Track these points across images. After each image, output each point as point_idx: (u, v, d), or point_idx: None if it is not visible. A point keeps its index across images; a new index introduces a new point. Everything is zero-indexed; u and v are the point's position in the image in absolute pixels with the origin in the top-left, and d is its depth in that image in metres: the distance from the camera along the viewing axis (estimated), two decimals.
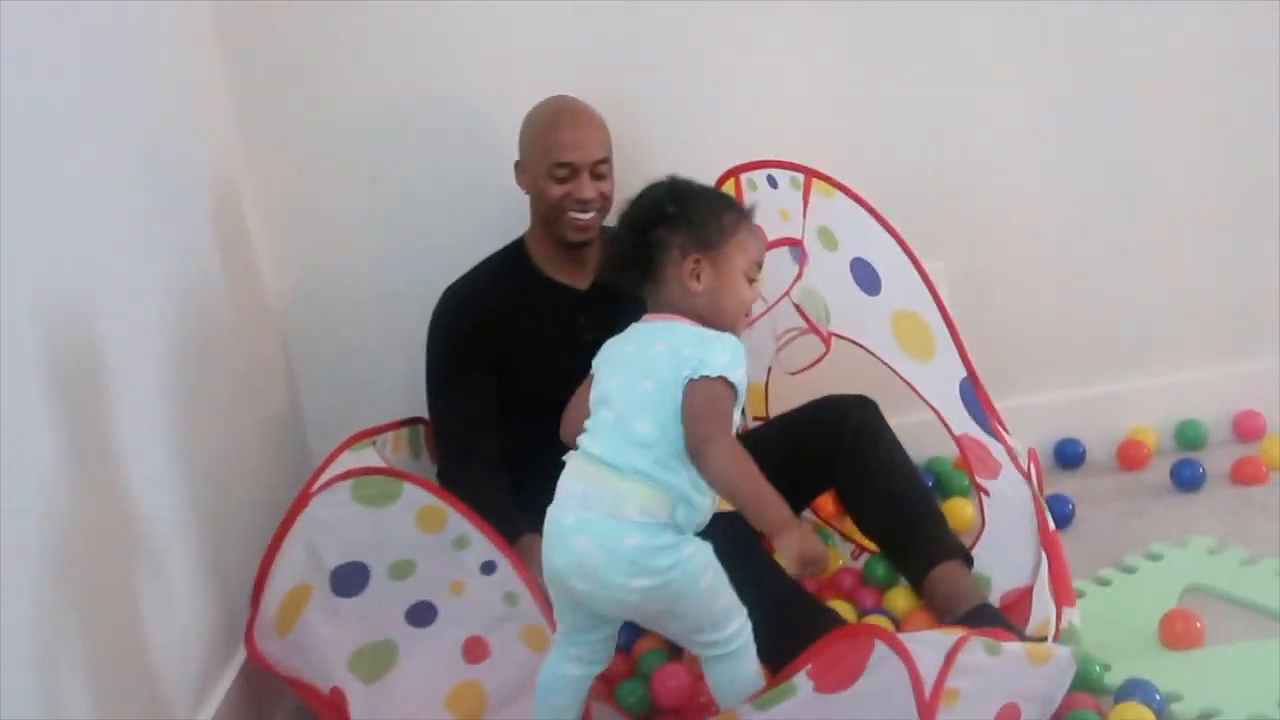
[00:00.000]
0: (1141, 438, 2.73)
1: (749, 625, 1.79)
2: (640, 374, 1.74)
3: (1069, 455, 2.74)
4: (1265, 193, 2.70)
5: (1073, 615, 1.89)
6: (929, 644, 1.62)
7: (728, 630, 1.76)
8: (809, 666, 1.66)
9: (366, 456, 2.21)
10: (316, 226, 2.57)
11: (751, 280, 1.83)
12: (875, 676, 1.62)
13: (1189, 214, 2.72)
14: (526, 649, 1.98)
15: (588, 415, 1.83)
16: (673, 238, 1.79)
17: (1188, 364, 2.80)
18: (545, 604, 1.90)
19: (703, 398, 1.69)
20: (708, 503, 1.74)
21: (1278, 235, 2.73)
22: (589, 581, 1.71)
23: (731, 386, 1.70)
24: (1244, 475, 2.57)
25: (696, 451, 1.68)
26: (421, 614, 2.03)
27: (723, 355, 1.71)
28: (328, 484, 2.03)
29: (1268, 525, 2.38)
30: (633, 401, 1.73)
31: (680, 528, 1.71)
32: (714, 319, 1.79)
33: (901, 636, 1.63)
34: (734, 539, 1.80)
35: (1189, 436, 2.74)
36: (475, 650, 2.01)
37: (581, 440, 1.79)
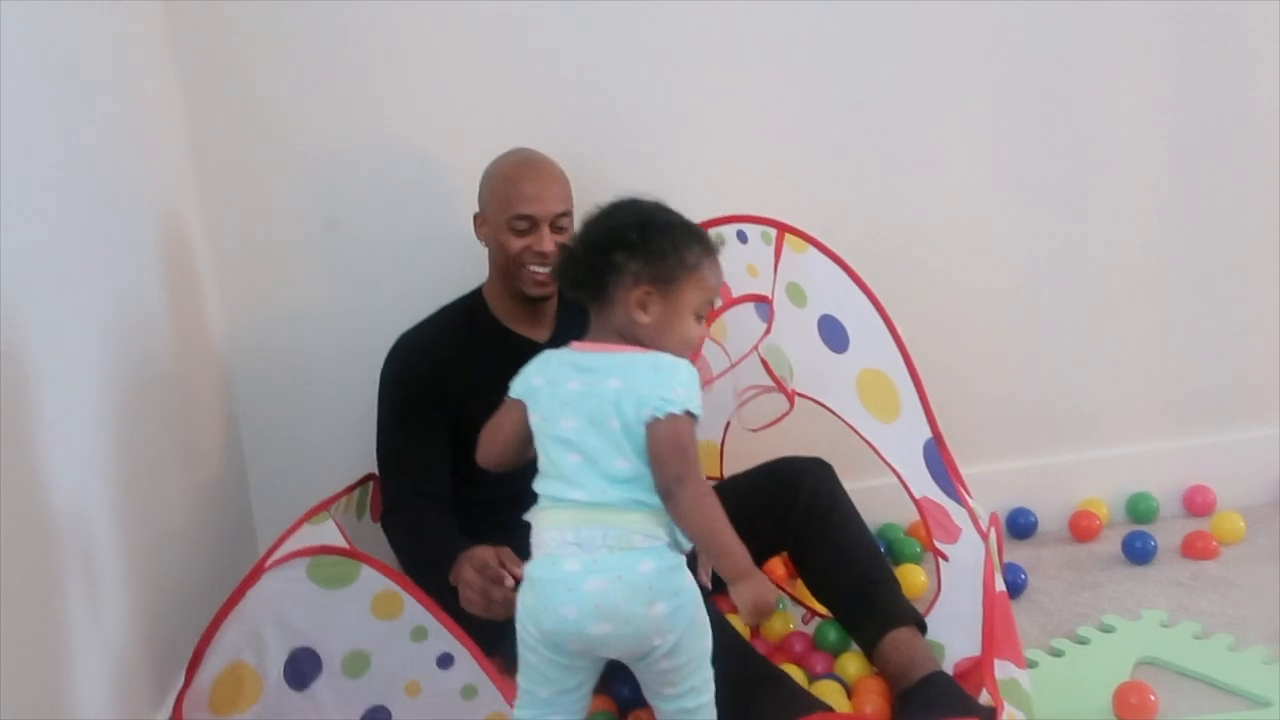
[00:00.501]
0: (1093, 509, 2.73)
1: (714, 684, 1.75)
2: (602, 414, 1.69)
3: (1021, 525, 2.74)
4: (1218, 272, 2.74)
5: (1021, 676, 1.86)
6: None
7: (705, 675, 1.73)
8: None
9: (326, 531, 2.16)
10: (267, 272, 2.52)
11: (700, 317, 1.79)
12: None
13: (1143, 291, 2.75)
14: None
15: (510, 443, 1.81)
16: (629, 264, 1.74)
17: (1139, 438, 2.81)
18: (506, 690, 1.84)
19: (668, 438, 1.66)
20: None
21: (1229, 315, 2.76)
22: (610, 621, 1.66)
23: (694, 418, 1.68)
24: (1195, 549, 2.57)
25: (667, 493, 1.66)
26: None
27: (681, 387, 1.68)
28: (284, 559, 1.96)
29: (1219, 600, 2.38)
30: (603, 443, 1.69)
31: (680, 546, 1.69)
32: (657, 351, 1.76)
33: None
34: None
35: (1140, 509, 2.75)
36: None
37: (547, 489, 1.74)
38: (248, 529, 2.56)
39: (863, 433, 2.23)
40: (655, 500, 1.68)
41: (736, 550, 1.64)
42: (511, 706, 1.82)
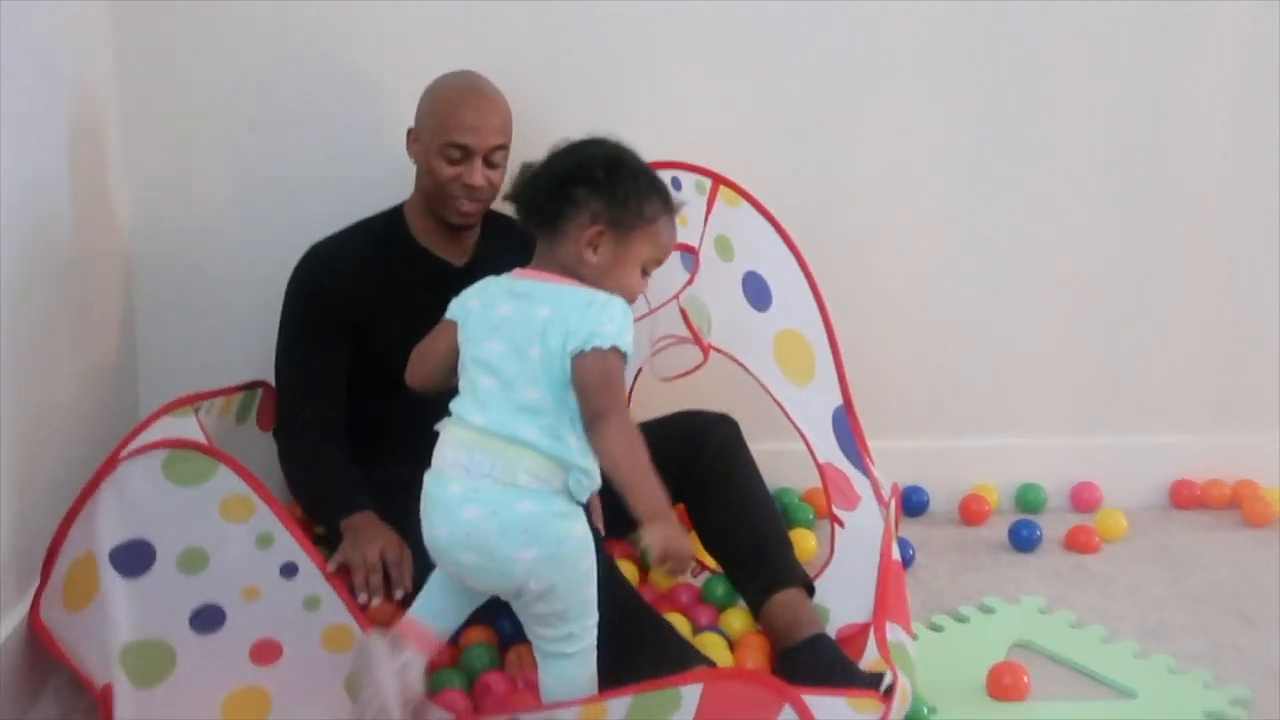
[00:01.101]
0: (984, 494, 2.77)
1: (595, 631, 1.74)
2: (525, 340, 1.69)
3: (913, 503, 2.77)
4: (1133, 277, 2.78)
5: (909, 644, 1.88)
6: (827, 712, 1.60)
7: (586, 622, 1.72)
8: (699, 704, 1.58)
9: (186, 425, 2.09)
10: (183, 165, 2.44)
11: (646, 273, 1.79)
12: None
13: (1059, 292, 2.77)
14: (325, 651, 1.86)
15: (439, 365, 1.80)
16: (589, 201, 1.74)
17: (1036, 431, 2.85)
18: (351, 603, 1.85)
19: (595, 371, 1.65)
20: (597, 468, 1.70)
21: (1136, 324, 2.81)
22: (476, 553, 1.67)
23: (623, 354, 1.67)
24: (1077, 543, 2.62)
25: (590, 424, 1.65)
26: (208, 619, 1.87)
27: (611, 323, 1.67)
28: (140, 450, 1.91)
29: (1096, 592, 2.43)
30: (520, 370, 1.68)
31: (573, 495, 1.67)
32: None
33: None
34: None
35: (1029, 500, 2.80)
36: (265, 652, 1.86)
37: (458, 408, 1.73)
38: (132, 420, 2.47)
39: (774, 393, 2.23)
40: (554, 444, 1.67)
41: (654, 490, 1.63)
42: (356, 622, 1.85)
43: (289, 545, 1.90)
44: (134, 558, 1.87)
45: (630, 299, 1.76)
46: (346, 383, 2.23)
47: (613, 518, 2.03)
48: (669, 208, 1.81)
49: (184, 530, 1.89)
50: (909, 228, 2.69)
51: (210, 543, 1.89)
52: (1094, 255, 2.76)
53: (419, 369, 1.85)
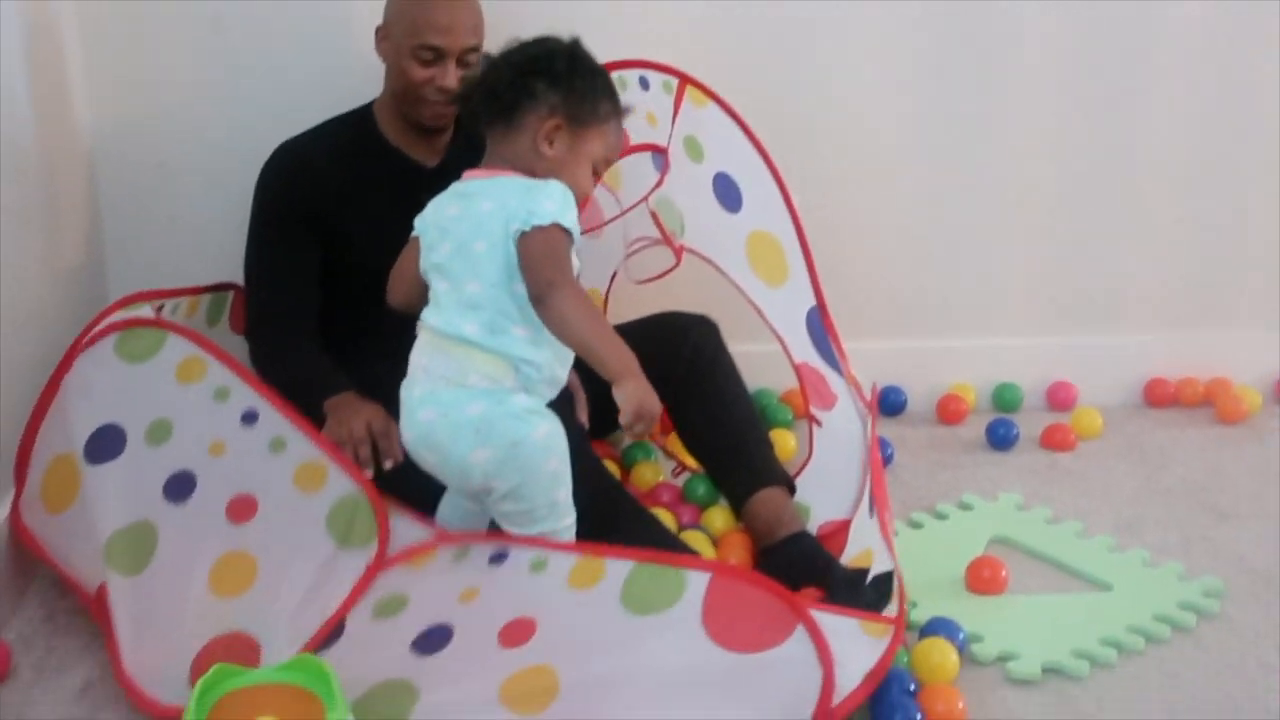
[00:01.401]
0: (961, 394, 2.78)
1: (574, 530, 1.75)
2: (471, 236, 1.70)
3: (891, 403, 2.77)
4: (1109, 176, 2.76)
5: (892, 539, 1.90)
6: (840, 635, 1.59)
7: (557, 524, 1.73)
8: (705, 594, 1.59)
9: (136, 311, 2.06)
10: (144, 62, 2.37)
11: (596, 174, 1.83)
12: (779, 655, 1.55)
13: (1035, 192, 2.75)
14: (299, 492, 1.84)
15: (413, 281, 1.81)
16: (548, 94, 1.77)
17: (1012, 330, 2.85)
18: (318, 437, 1.85)
19: (539, 246, 1.66)
20: (549, 355, 1.71)
21: (1112, 224, 2.80)
22: (434, 454, 1.72)
23: (566, 232, 1.68)
24: (1053, 441, 2.64)
25: (539, 299, 1.65)
26: (179, 486, 1.85)
27: (550, 201, 1.69)
28: (91, 340, 1.92)
29: (1072, 489, 2.45)
30: (464, 266, 1.70)
31: (530, 389, 1.66)
32: None
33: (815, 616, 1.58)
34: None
35: (1005, 399, 2.81)
36: (241, 509, 1.84)
37: (424, 313, 1.75)
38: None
39: (749, 294, 2.21)
40: (495, 341, 1.68)
41: (618, 350, 1.64)
42: (326, 452, 1.85)
43: (245, 393, 1.89)
44: (106, 445, 1.87)
45: (580, 197, 1.77)
46: (318, 281, 2.18)
47: (597, 417, 2.01)
48: (619, 110, 1.85)
49: (146, 404, 1.89)
50: (882, 127, 2.66)
51: (172, 410, 1.88)
52: (1068, 154, 2.73)
53: (396, 289, 1.87)
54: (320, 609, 1.72)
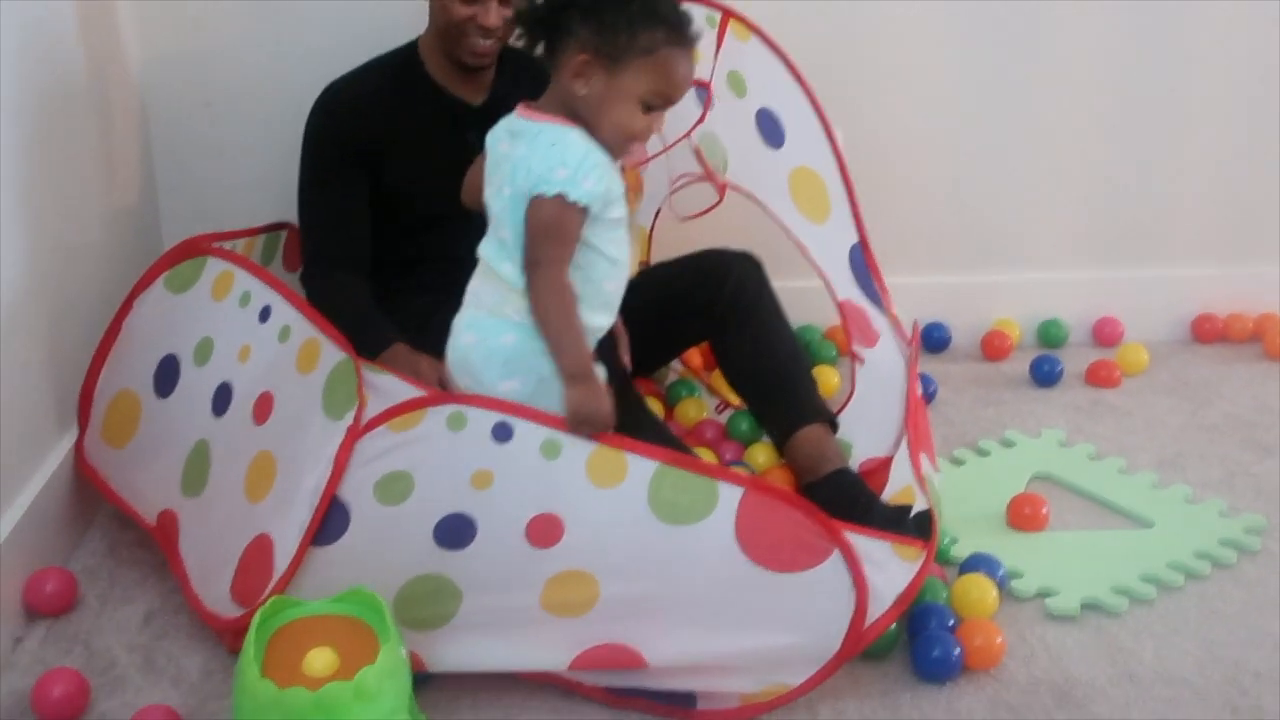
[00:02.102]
0: (1005, 330, 2.77)
1: None
2: (505, 179, 1.71)
3: (935, 339, 2.78)
4: (1154, 108, 2.73)
5: (935, 476, 1.91)
6: (873, 558, 1.62)
7: None
8: (738, 509, 1.60)
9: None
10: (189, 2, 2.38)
11: (650, 109, 1.70)
12: (814, 577, 1.59)
13: (1078, 120, 2.72)
14: (300, 375, 1.78)
15: (478, 190, 1.81)
16: (578, 28, 1.67)
17: (1056, 266, 2.84)
18: (318, 318, 1.80)
19: (537, 219, 1.67)
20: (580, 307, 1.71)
21: (1154, 152, 2.77)
22: (468, 378, 1.74)
23: (572, 204, 1.64)
24: (1098, 377, 2.64)
25: (525, 271, 1.68)
26: (221, 399, 1.87)
27: (563, 168, 1.65)
28: (146, 281, 1.98)
29: (1115, 425, 2.45)
30: (500, 207, 1.72)
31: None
32: (594, 132, 1.70)
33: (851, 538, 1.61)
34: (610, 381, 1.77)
35: (1050, 334, 2.80)
36: (263, 408, 1.81)
37: (484, 238, 1.78)
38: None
39: (791, 230, 2.21)
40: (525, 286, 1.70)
41: (573, 350, 1.66)
42: (323, 332, 1.78)
43: (262, 291, 1.88)
44: (166, 376, 1.93)
45: (627, 138, 1.70)
46: (370, 220, 2.21)
47: (643, 355, 2.04)
48: (677, 39, 1.68)
49: (192, 328, 1.93)
50: (923, 64, 2.64)
51: (211, 328, 1.92)
52: (1112, 86, 2.70)
53: (468, 193, 1.88)
54: (314, 489, 1.66)
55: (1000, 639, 1.72)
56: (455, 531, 1.63)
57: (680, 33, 1.69)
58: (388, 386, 1.72)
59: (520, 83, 2.25)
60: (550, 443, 1.63)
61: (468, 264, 2.27)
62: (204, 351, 1.92)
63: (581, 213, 1.66)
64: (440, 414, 1.66)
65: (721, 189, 2.27)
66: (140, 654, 1.75)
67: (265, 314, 1.87)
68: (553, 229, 1.66)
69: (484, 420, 1.64)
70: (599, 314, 1.76)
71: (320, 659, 1.42)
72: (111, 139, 2.27)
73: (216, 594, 1.74)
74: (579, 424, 1.62)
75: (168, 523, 1.87)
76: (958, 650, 1.69)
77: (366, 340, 2.06)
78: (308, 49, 2.37)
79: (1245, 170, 2.80)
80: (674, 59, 1.68)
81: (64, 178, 2.00)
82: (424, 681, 1.61)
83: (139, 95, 2.41)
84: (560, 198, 1.64)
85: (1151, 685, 1.69)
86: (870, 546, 1.64)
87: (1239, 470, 2.28)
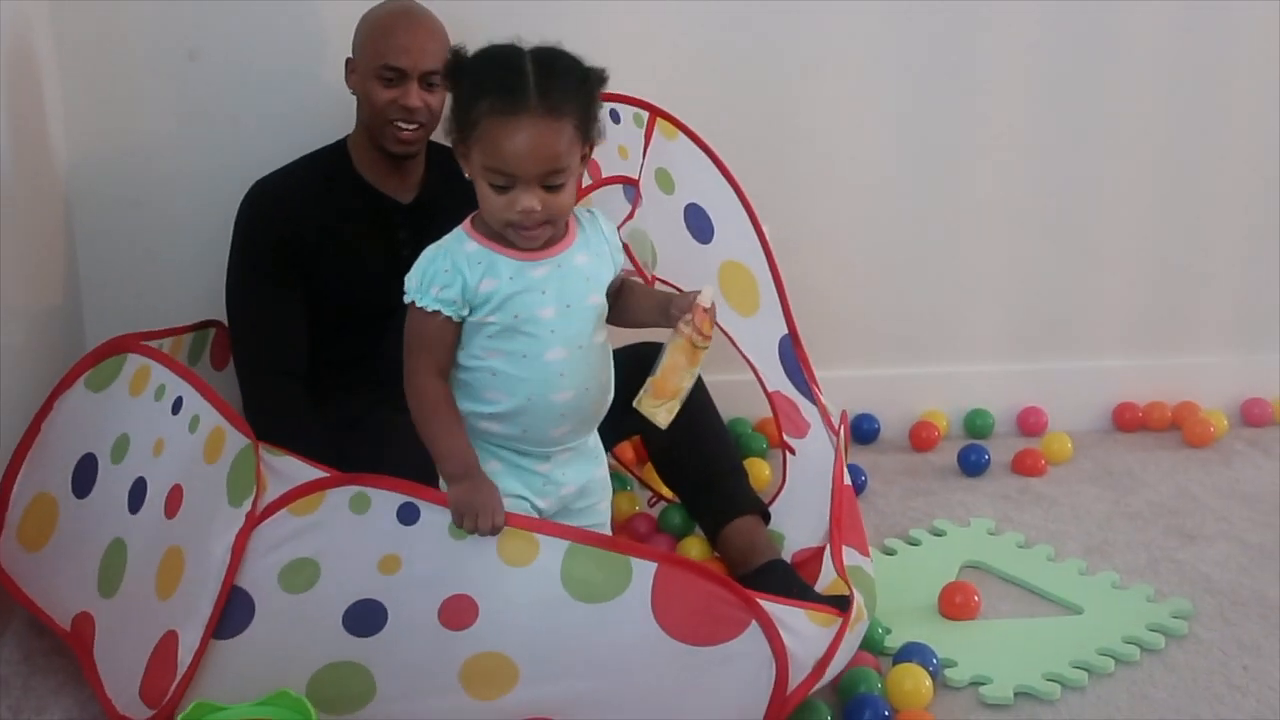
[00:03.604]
0: (933, 420, 2.81)
1: None
2: None
3: (864, 431, 2.80)
4: (1076, 206, 2.80)
5: (865, 564, 1.92)
6: (790, 627, 1.64)
7: None
8: (653, 585, 1.60)
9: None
10: (121, 97, 2.38)
11: (498, 189, 1.58)
12: (733, 649, 1.60)
13: (1001, 221, 2.79)
14: (207, 465, 1.74)
15: None
16: (454, 97, 1.63)
17: (982, 358, 2.89)
18: (223, 405, 1.78)
19: (406, 327, 1.67)
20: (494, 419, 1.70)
21: (1077, 251, 2.84)
22: None
23: (422, 310, 1.63)
24: (1024, 466, 2.67)
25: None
26: (136, 495, 1.84)
27: (413, 275, 1.66)
28: (68, 381, 1.96)
29: (1043, 513, 2.48)
30: None
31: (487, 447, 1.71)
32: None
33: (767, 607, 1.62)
34: None
35: (977, 425, 2.84)
36: (173, 501, 1.78)
37: None
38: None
39: (720, 324, 2.23)
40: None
41: (450, 450, 1.62)
42: (228, 419, 1.74)
43: (175, 382, 1.86)
44: (85, 476, 1.90)
45: (500, 225, 1.62)
46: (303, 327, 2.19)
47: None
48: (501, 106, 1.54)
49: (110, 425, 1.90)
50: (852, 157, 2.70)
51: (127, 424, 1.89)
52: (1033, 182, 2.78)
53: None
54: (215, 580, 1.62)
55: None
56: (365, 618, 1.61)
57: (506, 99, 1.55)
58: (288, 470, 1.70)
59: (450, 180, 2.27)
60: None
61: (400, 363, 2.27)
62: (120, 448, 1.88)
63: (437, 318, 1.63)
64: (342, 496, 1.63)
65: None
66: None
67: (177, 405, 1.84)
68: (409, 333, 1.65)
69: (387, 502, 1.62)
70: (542, 418, 1.71)
71: None
72: (34, 240, 2.24)
73: (128, 697, 1.68)
74: (462, 519, 1.58)
75: (83, 626, 1.81)
76: None
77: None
78: (237, 148, 2.37)
79: (1162, 264, 2.88)
80: (497, 129, 1.55)
81: None
82: None
83: (64, 194, 2.39)
84: (412, 304, 1.64)
85: None
86: (786, 614, 1.65)
87: (1163, 556, 2.31)
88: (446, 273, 1.63)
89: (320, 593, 1.62)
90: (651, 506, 2.37)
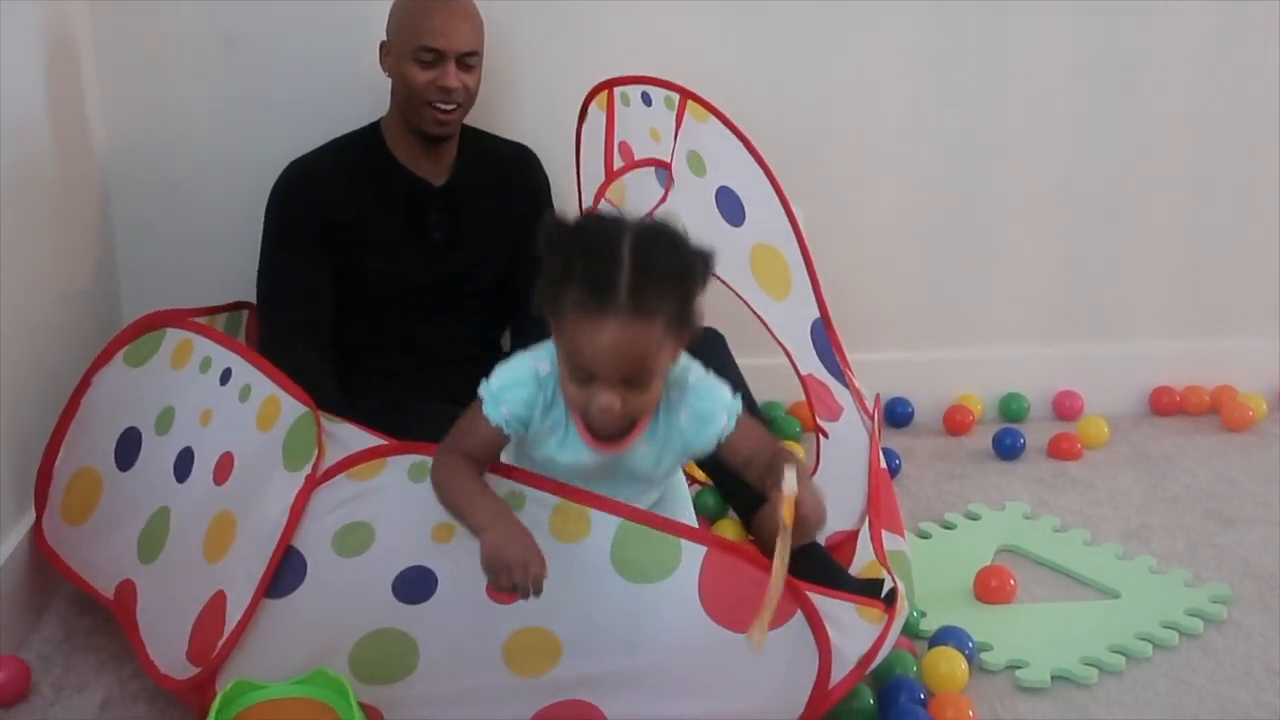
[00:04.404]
0: (968, 405, 2.79)
1: None
2: None
3: (898, 415, 2.79)
4: (1114, 187, 2.78)
5: (903, 545, 1.91)
6: (836, 620, 1.62)
7: None
8: (701, 569, 1.59)
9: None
10: (157, 81, 2.41)
11: (578, 380, 1.47)
12: (777, 638, 1.57)
13: (1040, 203, 2.78)
14: (260, 433, 1.75)
15: None
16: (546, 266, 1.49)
17: (1017, 341, 2.87)
18: (268, 368, 1.79)
19: (463, 415, 1.61)
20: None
21: (1115, 235, 2.82)
22: None
23: (484, 416, 1.58)
24: (1060, 450, 2.65)
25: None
26: (183, 464, 1.85)
27: (495, 379, 1.58)
28: (105, 358, 1.97)
29: (1079, 498, 2.47)
30: None
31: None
32: None
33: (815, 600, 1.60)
34: None
35: (1012, 409, 2.82)
36: (223, 468, 1.78)
37: None
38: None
39: (753, 307, 2.22)
40: None
41: (476, 512, 1.54)
42: (283, 388, 1.75)
43: (222, 354, 1.87)
44: (128, 449, 1.91)
45: (573, 406, 1.54)
46: (331, 297, 2.20)
47: None
48: (589, 304, 1.41)
49: (153, 399, 1.92)
50: (887, 138, 2.68)
51: (171, 396, 1.90)
52: (1074, 165, 2.76)
53: None
54: (270, 540, 1.62)
55: (972, 712, 1.71)
56: (415, 585, 1.61)
57: (594, 295, 1.41)
58: (347, 436, 1.70)
59: (482, 165, 2.28)
60: (514, 495, 1.61)
61: (431, 348, 2.28)
62: (165, 420, 1.90)
63: (494, 428, 1.57)
64: (401, 464, 1.64)
65: None
66: None
67: (226, 376, 1.85)
68: (463, 419, 1.60)
69: None
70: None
71: None
72: (73, 221, 2.27)
73: (172, 657, 1.70)
74: (489, 571, 1.48)
75: (125, 593, 1.83)
76: None
77: None
78: (272, 130, 2.38)
79: (1201, 246, 2.86)
80: (582, 325, 1.43)
81: (22, 257, 1.99)
82: None
83: (101, 176, 2.41)
84: (479, 401, 1.58)
85: None
86: (833, 607, 1.64)
87: (1201, 541, 2.29)
88: (524, 403, 1.57)
89: (372, 557, 1.62)
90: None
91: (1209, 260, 2.87)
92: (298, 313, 2.19)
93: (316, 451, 1.65)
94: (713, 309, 2.29)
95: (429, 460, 1.61)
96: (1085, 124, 2.73)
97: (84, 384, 1.98)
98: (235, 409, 1.81)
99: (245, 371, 1.83)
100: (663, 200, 2.27)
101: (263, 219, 2.23)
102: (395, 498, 1.63)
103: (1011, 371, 2.86)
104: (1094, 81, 2.70)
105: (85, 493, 1.93)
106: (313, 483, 1.63)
